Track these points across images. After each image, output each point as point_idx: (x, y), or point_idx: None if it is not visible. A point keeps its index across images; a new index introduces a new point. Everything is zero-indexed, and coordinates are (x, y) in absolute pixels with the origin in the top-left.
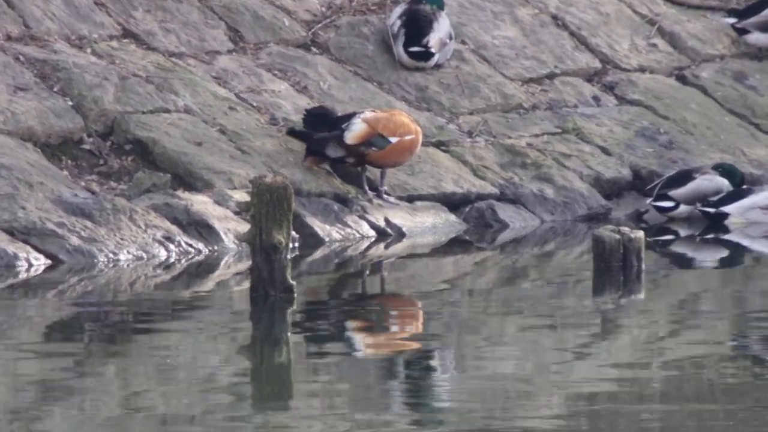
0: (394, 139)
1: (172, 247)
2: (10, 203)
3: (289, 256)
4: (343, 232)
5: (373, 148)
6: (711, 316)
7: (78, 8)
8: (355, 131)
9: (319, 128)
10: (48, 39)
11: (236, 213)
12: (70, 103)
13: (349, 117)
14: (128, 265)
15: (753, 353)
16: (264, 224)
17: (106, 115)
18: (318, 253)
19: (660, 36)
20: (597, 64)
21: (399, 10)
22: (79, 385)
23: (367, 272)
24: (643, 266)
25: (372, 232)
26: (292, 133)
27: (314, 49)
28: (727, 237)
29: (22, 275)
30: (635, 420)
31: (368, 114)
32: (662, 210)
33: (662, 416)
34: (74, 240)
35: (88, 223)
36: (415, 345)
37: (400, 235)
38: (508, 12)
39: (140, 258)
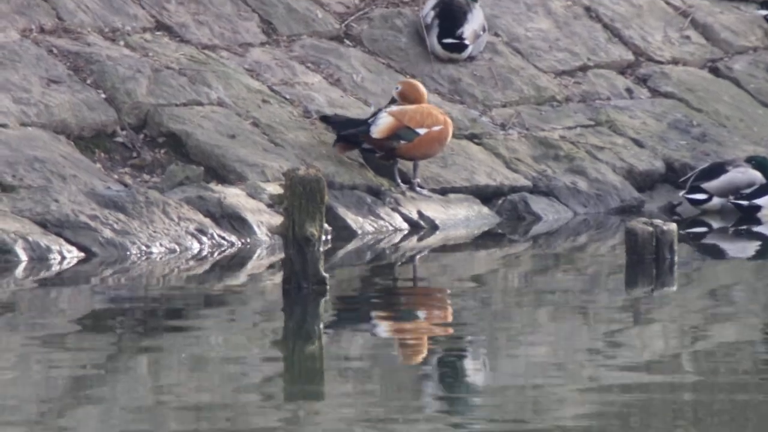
0: (422, 131)
1: (204, 239)
2: (43, 196)
3: (321, 249)
4: (375, 225)
5: (402, 141)
6: (744, 308)
7: (111, 0)
8: (382, 125)
9: (348, 125)
10: (81, 31)
11: (269, 205)
12: (103, 95)
13: (375, 112)
14: (161, 258)
15: None
16: (297, 217)
17: (139, 107)
18: (351, 246)
19: (693, 28)
20: (630, 57)
21: (432, 1)
22: (111, 377)
23: (400, 265)
24: (676, 258)
25: (405, 225)
26: (324, 119)
27: (347, 42)
28: (759, 229)
29: (55, 268)
30: (668, 412)
31: (394, 107)
32: (695, 202)
33: (695, 408)
34: (107, 233)
35: (121, 216)
36: (448, 337)
37: (433, 227)
38: (540, 4)
39: (173, 251)
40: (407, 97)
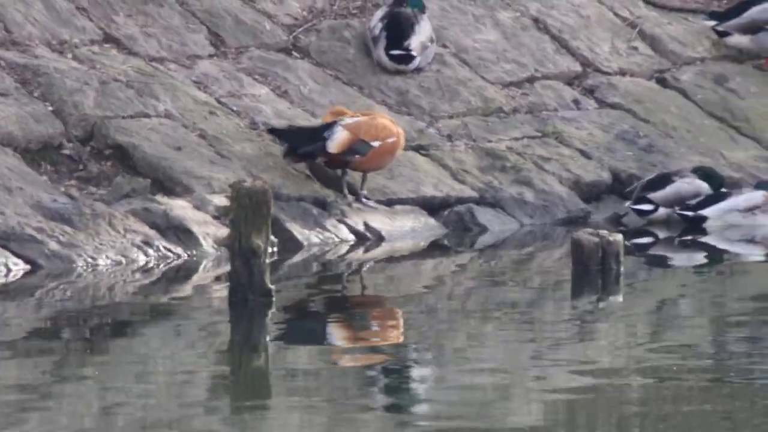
0: (376, 144)
1: (151, 251)
2: None
3: (267, 261)
4: (322, 236)
5: (357, 156)
6: (689, 319)
7: (59, 13)
8: (338, 140)
9: (301, 141)
10: (29, 44)
11: (215, 217)
12: (51, 108)
13: (329, 126)
14: (107, 270)
15: (730, 356)
16: (243, 228)
17: (86, 120)
18: (297, 258)
19: (641, 39)
20: (578, 68)
21: (380, 13)
22: (58, 389)
23: (347, 276)
24: (622, 269)
25: (351, 236)
26: (272, 131)
27: (295, 54)
28: (705, 240)
29: (1, 280)
30: (611, 424)
31: (349, 120)
32: (641, 213)
33: (639, 420)
34: (53, 245)
35: (67, 228)
36: (395, 350)
37: (380, 239)
38: (489, 15)
39: (119, 263)
40: None
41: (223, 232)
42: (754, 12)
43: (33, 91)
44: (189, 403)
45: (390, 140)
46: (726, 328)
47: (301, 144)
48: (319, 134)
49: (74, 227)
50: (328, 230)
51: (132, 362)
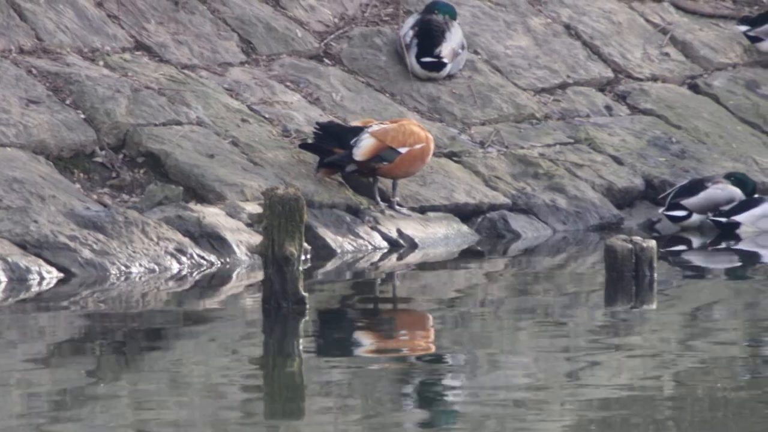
0: (403, 150)
1: (184, 259)
2: (23, 216)
3: (301, 268)
4: (355, 244)
5: (384, 162)
6: (723, 325)
7: (90, 21)
8: (364, 147)
9: (330, 143)
10: (60, 52)
11: (248, 225)
12: (83, 116)
13: (358, 131)
14: (140, 278)
15: (765, 363)
16: (276, 236)
17: (118, 127)
18: (330, 265)
19: (672, 45)
20: (609, 74)
21: (411, 20)
22: (91, 398)
23: (380, 283)
24: (656, 276)
25: (384, 244)
26: (304, 146)
27: (327, 61)
28: (738, 246)
29: (35, 288)
30: (647, 429)
31: (376, 127)
32: (675, 219)
33: (674, 424)
34: (86, 253)
35: (101, 236)
36: (428, 356)
37: (413, 246)
38: (520, 22)
39: (152, 270)
40: None
41: (257, 239)
42: None
43: (65, 98)
44: (222, 410)
45: (418, 146)
46: (760, 335)
47: (330, 146)
48: (347, 139)
49: (107, 235)
50: (362, 237)
51: (165, 370)
